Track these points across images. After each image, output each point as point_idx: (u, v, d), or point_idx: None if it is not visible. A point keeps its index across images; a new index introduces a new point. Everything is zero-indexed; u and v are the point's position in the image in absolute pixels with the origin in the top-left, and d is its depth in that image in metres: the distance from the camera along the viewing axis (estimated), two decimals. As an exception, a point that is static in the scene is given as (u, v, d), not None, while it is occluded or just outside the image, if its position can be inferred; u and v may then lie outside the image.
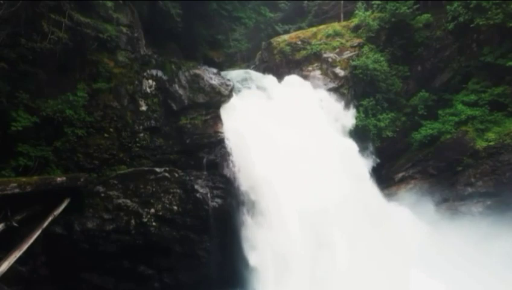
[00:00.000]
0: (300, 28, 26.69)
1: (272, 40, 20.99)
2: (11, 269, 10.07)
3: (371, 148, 17.72)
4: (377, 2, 19.34)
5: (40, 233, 10.85)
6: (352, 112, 17.83)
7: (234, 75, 17.86)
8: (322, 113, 16.68)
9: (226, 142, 13.56)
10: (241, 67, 26.35)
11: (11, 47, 11.63)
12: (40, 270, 11.69)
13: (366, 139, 17.55)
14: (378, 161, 17.70)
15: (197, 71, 13.98)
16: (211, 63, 20.89)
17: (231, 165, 13.29)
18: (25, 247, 10.21)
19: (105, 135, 12.74)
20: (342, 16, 25.52)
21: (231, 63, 31.29)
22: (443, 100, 18.38)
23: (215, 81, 14.03)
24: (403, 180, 17.64)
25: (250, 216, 12.99)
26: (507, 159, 15.39)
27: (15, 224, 10.52)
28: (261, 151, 13.58)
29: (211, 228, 12.55)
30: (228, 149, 13.45)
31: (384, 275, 12.42)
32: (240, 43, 30.93)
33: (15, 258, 9.91)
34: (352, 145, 16.24)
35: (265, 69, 20.25)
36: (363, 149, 17.02)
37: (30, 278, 11.43)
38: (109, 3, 12.44)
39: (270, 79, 17.45)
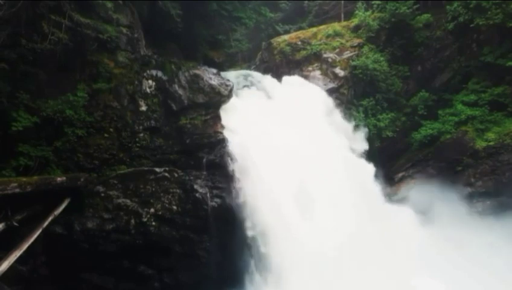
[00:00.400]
0: (300, 28, 26.69)
1: (272, 41, 21.03)
2: (11, 268, 10.11)
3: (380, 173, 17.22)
4: (377, 2, 19.34)
5: (40, 233, 10.89)
6: (363, 132, 17.43)
7: (234, 75, 17.93)
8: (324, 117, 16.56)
9: (229, 162, 13.14)
10: (242, 68, 26.40)
11: (11, 48, 11.68)
12: (40, 269, 11.73)
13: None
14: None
15: (197, 71, 14.02)
16: (211, 63, 20.91)
17: (234, 193, 12.77)
18: (25, 246, 10.25)
19: (106, 135, 12.78)
20: (342, 16, 25.52)
21: (232, 63, 31.34)
22: (443, 100, 18.37)
23: (214, 81, 14.07)
24: (403, 180, 17.65)
25: (258, 272, 12.39)
26: (507, 159, 15.39)
27: (15, 224, 10.56)
28: (268, 170, 13.06)
29: (211, 228, 12.56)
30: (230, 171, 12.99)
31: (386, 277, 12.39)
32: (240, 43, 30.94)
33: (15, 258, 9.95)
34: (368, 168, 15.98)
35: (265, 69, 20.28)
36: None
37: (30, 278, 11.47)
38: (109, 4, 12.47)
39: (269, 79, 17.48)
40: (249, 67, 24.04)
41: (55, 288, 11.84)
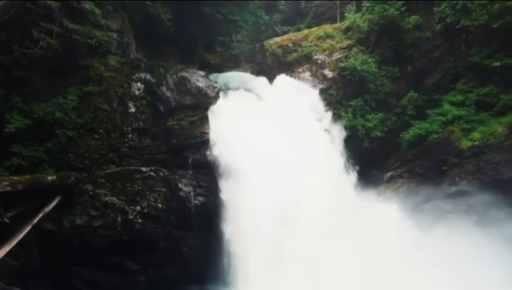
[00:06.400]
0: (299, 30, 27.00)
1: (264, 43, 21.38)
2: (2, 262, 10.71)
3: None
4: (367, 4, 19.55)
5: (30, 229, 11.44)
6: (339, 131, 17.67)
7: (227, 77, 18.37)
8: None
9: (214, 162, 13.67)
10: (244, 69, 26.82)
11: (5, 53, 12.35)
12: (33, 263, 12.36)
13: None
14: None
15: (184, 74, 14.46)
16: (207, 66, 21.41)
17: (217, 192, 13.28)
18: (14, 242, 10.77)
19: (96, 136, 13.34)
20: (338, 17, 25.73)
21: (236, 64, 31.83)
22: (433, 100, 18.51)
23: (201, 83, 14.50)
24: (392, 180, 17.85)
25: (234, 270, 12.80)
26: (490, 158, 15.51)
27: (6, 220, 11.14)
28: (252, 170, 13.52)
29: (194, 225, 13.04)
30: (214, 171, 13.47)
31: (371, 274, 12.66)
32: (241, 44, 31.45)
33: (4, 253, 10.45)
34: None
35: (259, 71, 20.62)
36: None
37: (23, 271, 12.08)
38: (97, 11, 12.99)
39: (260, 81, 17.84)
40: (250, 69, 24.42)
41: (46, 281, 12.46)
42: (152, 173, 13.08)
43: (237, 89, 17.39)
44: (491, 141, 15.72)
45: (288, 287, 11.93)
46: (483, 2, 16.27)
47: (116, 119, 13.55)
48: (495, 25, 16.07)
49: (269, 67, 20.28)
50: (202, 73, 15.14)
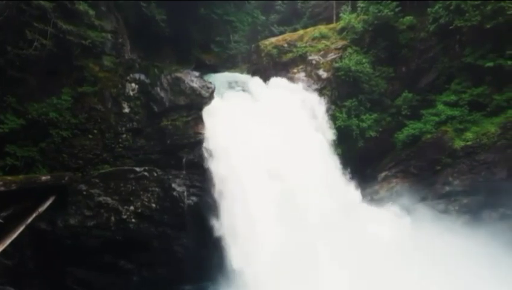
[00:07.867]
0: (295, 30, 27.05)
1: (259, 43, 21.44)
2: (-4, 262, 10.78)
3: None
4: (361, 4, 19.62)
5: (24, 229, 11.49)
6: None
7: (222, 77, 18.43)
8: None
9: (208, 162, 13.74)
10: (241, 69, 26.87)
11: (0, 55, 12.39)
12: (26, 263, 12.43)
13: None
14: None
15: (179, 74, 14.54)
16: (203, 66, 21.48)
17: (210, 192, 13.32)
18: (7, 242, 10.82)
19: (90, 136, 13.42)
20: (334, 17, 25.80)
21: (234, 64, 31.87)
22: (427, 100, 18.56)
23: (196, 84, 14.57)
24: (386, 179, 17.92)
25: (227, 270, 12.64)
26: (483, 158, 15.59)
27: (0, 220, 11.18)
28: (246, 170, 13.50)
29: (187, 225, 13.13)
30: (208, 171, 13.56)
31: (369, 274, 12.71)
32: (238, 44, 31.49)
33: (-3, 252, 10.54)
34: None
35: (254, 72, 20.67)
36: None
37: (16, 271, 12.15)
38: (91, 12, 13.05)
39: (255, 81, 17.90)
40: (247, 69, 24.46)
41: (40, 281, 12.53)
42: (146, 173, 13.16)
43: (231, 89, 17.47)
44: (484, 141, 15.79)
45: (286, 286, 11.97)
46: (476, 2, 16.35)
47: (110, 120, 13.62)
48: (488, 26, 16.14)
49: (264, 67, 20.33)
50: (196, 73, 15.23)
